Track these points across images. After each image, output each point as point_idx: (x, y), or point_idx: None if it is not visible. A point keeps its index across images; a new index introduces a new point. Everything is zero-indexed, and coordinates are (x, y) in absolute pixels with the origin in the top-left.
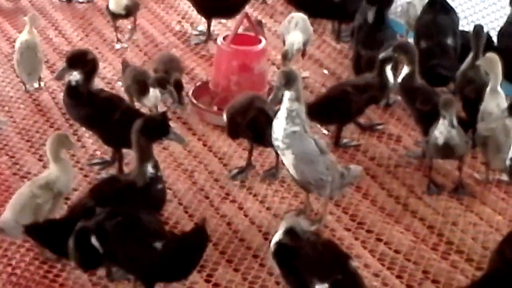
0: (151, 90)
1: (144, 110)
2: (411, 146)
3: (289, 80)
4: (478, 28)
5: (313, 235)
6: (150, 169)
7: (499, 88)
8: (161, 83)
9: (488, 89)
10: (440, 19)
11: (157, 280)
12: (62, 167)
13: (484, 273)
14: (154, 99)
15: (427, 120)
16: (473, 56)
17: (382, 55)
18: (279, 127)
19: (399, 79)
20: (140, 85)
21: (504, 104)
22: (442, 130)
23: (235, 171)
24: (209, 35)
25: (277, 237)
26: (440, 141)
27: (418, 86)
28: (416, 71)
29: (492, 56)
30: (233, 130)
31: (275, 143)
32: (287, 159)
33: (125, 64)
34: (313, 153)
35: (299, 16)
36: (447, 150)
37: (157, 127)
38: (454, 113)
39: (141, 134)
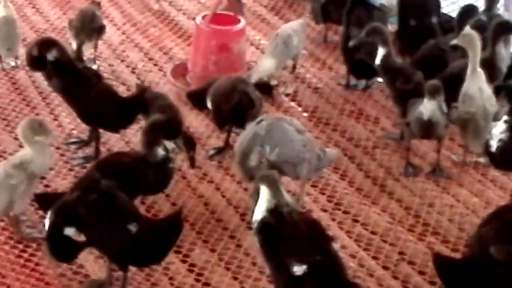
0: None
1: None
2: (389, 128)
3: None
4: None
5: (298, 213)
6: (160, 151)
7: (479, 68)
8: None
9: (468, 69)
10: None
11: (130, 263)
12: (37, 148)
13: (463, 256)
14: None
15: (406, 101)
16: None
17: (353, 42)
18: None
19: (377, 61)
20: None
21: (486, 86)
22: (428, 107)
23: (213, 151)
24: None
25: (260, 213)
26: (425, 116)
27: (397, 66)
28: (392, 50)
29: (470, 32)
30: (221, 119)
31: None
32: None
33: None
34: (289, 132)
35: (283, 34)
36: (429, 127)
37: (174, 130)
38: (443, 99)
39: (158, 132)
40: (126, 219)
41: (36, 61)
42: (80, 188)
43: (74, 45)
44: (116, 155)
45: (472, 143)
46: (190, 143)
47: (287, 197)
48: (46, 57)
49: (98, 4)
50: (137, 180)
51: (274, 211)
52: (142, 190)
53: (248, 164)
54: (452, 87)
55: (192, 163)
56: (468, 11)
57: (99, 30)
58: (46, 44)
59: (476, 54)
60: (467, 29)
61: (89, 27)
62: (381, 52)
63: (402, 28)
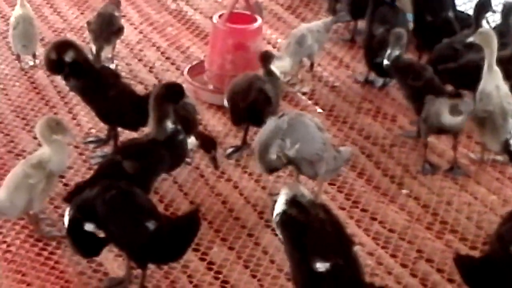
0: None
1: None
2: (406, 126)
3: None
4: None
5: (323, 211)
6: (169, 124)
7: (495, 66)
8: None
9: (485, 67)
10: None
11: (148, 261)
12: (55, 147)
13: (483, 255)
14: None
15: (419, 97)
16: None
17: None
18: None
19: (387, 60)
20: None
21: (503, 84)
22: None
23: (230, 149)
24: None
25: (280, 206)
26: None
27: (408, 62)
28: (403, 52)
29: (487, 30)
30: (237, 117)
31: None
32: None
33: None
34: (310, 128)
35: (296, 33)
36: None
37: (176, 92)
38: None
39: (162, 99)
40: (144, 217)
41: (55, 65)
42: (100, 183)
43: (93, 48)
44: (133, 139)
45: (490, 142)
46: (210, 143)
47: (305, 191)
48: (64, 59)
49: (118, 3)
50: (155, 159)
51: (293, 202)
52: (162, 168)
53: (268, 157)
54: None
55: (215, 164)
56: (483, 5)
57: (118, 32)
58: (63, 46)
59: (492, 51)
60: (484, 26)
61: (108, 31)
62: (394, 53)
63: (418, 24)
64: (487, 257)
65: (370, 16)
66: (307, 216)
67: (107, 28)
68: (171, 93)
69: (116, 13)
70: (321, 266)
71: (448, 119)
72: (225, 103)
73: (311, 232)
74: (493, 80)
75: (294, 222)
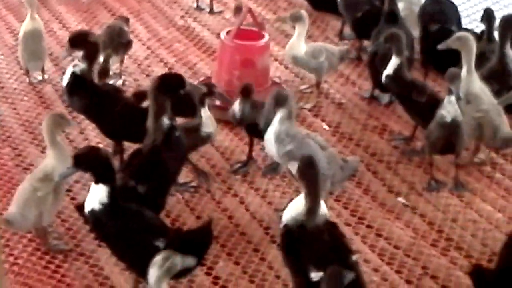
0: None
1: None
2: (412, 143)
3: (279, 100)
4: (489, 11)
5: (325, 223)
6: (166, 120)
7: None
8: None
9: (464, 70)
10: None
11: None
12: (58, 152)
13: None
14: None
15: (423, 111)
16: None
17: (372, 48)
18: (272, 149)
19: (388, 71)
20: None
21: (482, 84)
22: (449, 109)
23: (237, 165)
24: None
25: (286, 217)
26: (448, 119)
27: (409, 77)
28: (404, 62)
29: (464, 34)
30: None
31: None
32: (291, 166)
33: None
34: (313, 152)
35: (314, 45)
36: (454, 129)
37: (174, 82)
38: (459, 86)
39: (159, 91)
40: (153, 236)
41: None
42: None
43: (100, 58)
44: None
45: (493, 140)
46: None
47: (323, 207)
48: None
49: (127, 20)
50: (164, 171)
51: (300, 219)
52: (174, 177)
53: (283, 148)
54: None
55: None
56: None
57: (127, 46)
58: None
59: (471, 55)
60: (461, 32)
61: (117, 41)
62: (394, 61)
63: (424, 38)
64: (502, 269)
65: (376, 33)
66: (303, 226)
67: (116, 39)
68: (168, 84)
69: (125, 28)
70: (315, 276)
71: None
72: (232, 116)
73: (304, 241)
74: (476, 81)
75: (290, 232)
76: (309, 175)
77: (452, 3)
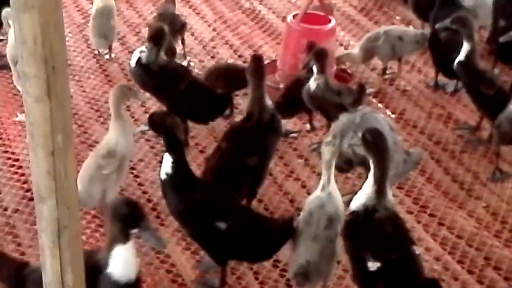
0: None
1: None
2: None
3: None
4: None
5: (389, 212)
6: (269, 102)
7: None
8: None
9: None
10: None
11: (226, 258)
12: (121, 125)
13: None
14: None
15: (492, 103)
16: None
17: (438, 24)
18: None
19: (460, 57)
20: None
21: None
22: None
23: (314, 145)
24: None
25: (355, 205)
26: None
27: (479, 67)
28: (476, 49)
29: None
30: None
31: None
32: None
33: None
34: (382, 125)
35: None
36: None
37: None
38: None
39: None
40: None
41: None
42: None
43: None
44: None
45: None
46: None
47: (390, 196)
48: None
49: (173, 1)
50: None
51: (367, 209)
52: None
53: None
54: None
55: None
56: None
57: (181, 29)
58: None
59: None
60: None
61: (173, 29)
62: (465, 47)
63: (493, 30)
64: None
65: (434, 16)
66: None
67: (172, 27)
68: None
69: (174, 10)
70: (372, 266)
71: None
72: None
73: (365, 231)
74: None
75: (355, 221)
76: (379, 146)
77: None
